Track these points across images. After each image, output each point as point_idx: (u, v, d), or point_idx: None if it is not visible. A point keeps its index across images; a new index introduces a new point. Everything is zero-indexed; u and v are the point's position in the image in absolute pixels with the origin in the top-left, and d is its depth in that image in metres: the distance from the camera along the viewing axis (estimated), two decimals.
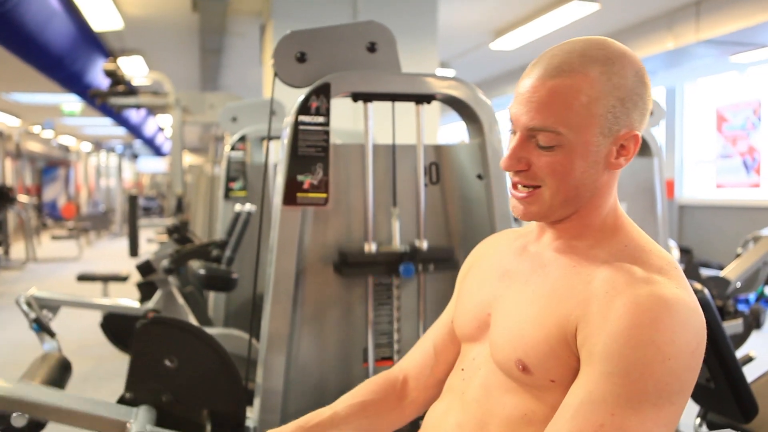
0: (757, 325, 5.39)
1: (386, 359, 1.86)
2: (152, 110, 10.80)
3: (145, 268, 2.68)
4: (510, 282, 1.05)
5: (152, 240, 9.53)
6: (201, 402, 1.57)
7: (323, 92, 1.67)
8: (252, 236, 2.93)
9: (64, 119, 14.58)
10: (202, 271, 2.27)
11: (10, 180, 14.86)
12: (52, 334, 2.71)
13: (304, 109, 1.67)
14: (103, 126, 16.09)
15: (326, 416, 1.19)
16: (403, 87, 1.75)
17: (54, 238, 12.36)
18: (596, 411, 0.84)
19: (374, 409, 1.21)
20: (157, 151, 21.57)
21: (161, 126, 15.90)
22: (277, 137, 3.27)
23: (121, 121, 11.58)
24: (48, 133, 16.49)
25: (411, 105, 1.81)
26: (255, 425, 1.71)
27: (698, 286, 1.96)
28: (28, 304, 2.77)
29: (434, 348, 1.23)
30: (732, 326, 2.90)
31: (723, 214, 9.02)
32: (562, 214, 1.00)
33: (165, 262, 2.57)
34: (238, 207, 2.90)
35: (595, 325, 0.88)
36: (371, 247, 1.76)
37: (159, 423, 1.52)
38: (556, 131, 0.93)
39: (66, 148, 20.32)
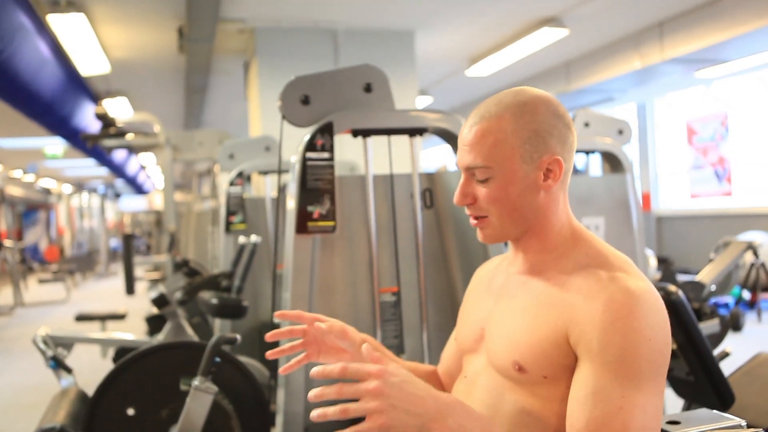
0: (737, 327, 5.62)
1: None
2: (135, 150, 10.95)
3: (160, 301, 2.83)
4: (498, 299, 1.25)
5: (141, 278, 9.59)
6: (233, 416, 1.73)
7: (327, 130, 1.86)
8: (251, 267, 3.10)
9: (46, 162, 14.65)
10: (214, 301, 2.42)
11: None
12: (68, 370, 2.83)
13: (310, 146, 1.86)
14: (85, 167, 16.16)
15: (388, 353, 1.37)
16: (398, 122, 1.95)
17: (41, 281, 12.35)
18: (609, 396, 1.02)
19: (419, 374, 1.38)
20: (139, 190, 21.62)
21: (143, 164, 16.01)
22: (273, 171, 3.47)
23: (105, 161, 11.70)
24: (29, 177, 16.50)
25: (400, 137, 2.01)
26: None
27: (673, 288, 2.15)
28: (45, 343, 2.89)
29: (452, 355, 1.42)
30: (709, 326, 3.09)
31: (698, 223, 9.32)
32: (515, 233, 1.20)
33: (178, 294, 2.72)
34: (242, 239, 3.06)
35: (585, 326, 1.07)
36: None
37: None
38: (486, 166, 1.14)
39: (47, 191, 20.30)
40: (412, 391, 0.97)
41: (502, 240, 1.21)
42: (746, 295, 6.76)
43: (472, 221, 1.21)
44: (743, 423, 1.27)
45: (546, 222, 1.19)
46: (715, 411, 1.32)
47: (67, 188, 20.79)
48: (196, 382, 1.70)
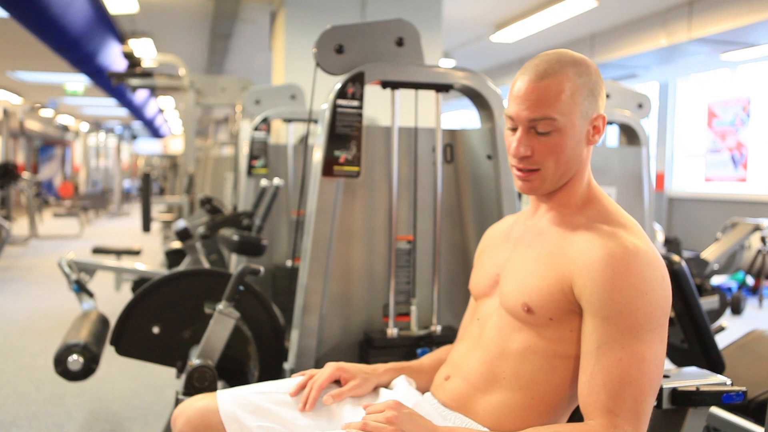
0: (737, 310, 5.71)
1: (404, 315, 2.14)
2: (158, 92, 11.00)
3: (183, 234, 2.94)
4: (515, 247, 1.35)
5: (155, 219, 9.74)
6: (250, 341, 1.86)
7: (358, 80, 1.94)
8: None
9: (66, 99, 14.74)
10: (235, 237, 2.52)
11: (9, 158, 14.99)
12: (90, 294, 2.96)
13: (341, 94, 1.94)
14: (104, 106, 16.24)
15: (414, 364, 1.52)
16: (426, 77, 2.02)
17: (55, 215, 12.56)
18: (612, 348, 1.12)
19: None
20: (155, 133, 21.73)
21: (161, 108, 16.07)
22: (297, 119, 3.54)
23: (125, 101, 11.78)
24: (47, 112, 16.61)
25: (425, 94, 2.08)
26: (292, 367, 1.99)
27: (676, 258, 2.24)
28: (69, 267, 3.02)
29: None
30: (708, 302, 3.18)
31: (710, 206, 9.34)
32: (557, 185, 1.28)
33: (201, 229, 2.83)
34: (264, 182, 3.15)
35: (587, 280, 1.16)
36: (393, 332, 2.03)
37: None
38: (552, 118, 1.21)
39: (65, 128, 20.43)
40: (417, 421, 1.16)
41: (542, 192, 1.30)
42: (750, 280, 6.83)
43: (519, 173, 1.28)
44: (728, 381, 1.37)
45: (580, 176, 1.29)
46: (703, 370, 1.43)
47: (85, 126, 20.91)
48: (220, 306, 1.81)
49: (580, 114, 1.23)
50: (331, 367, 1.43)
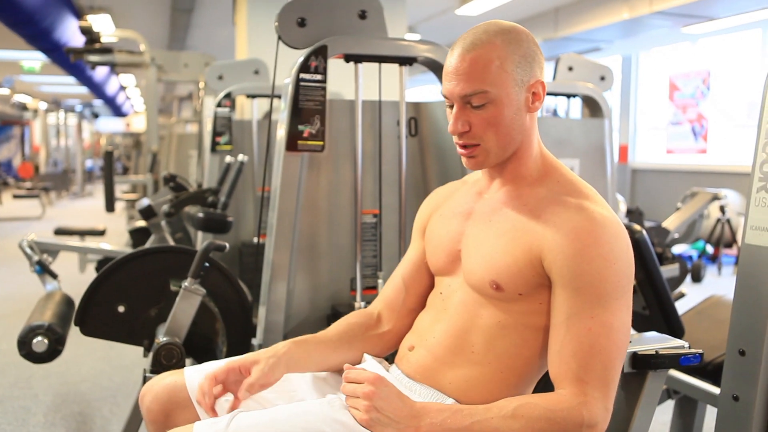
0: (697, 278, 5.86)
1: (371, 288, 2.15)
2: (118, 68, 10.76)
3: (148, 212, 2.90)
4: (474, 222, 1.33)
5: (119, 198, 9.58)
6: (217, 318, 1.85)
7: (321, 53, 1.93)
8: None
9: (22, 76, 14.33)
10: (200, 215, 2.50)
11: None
12: (54, 276, 2.91)
13: (304, 67, 1.92)
14: (63, 84, 15.84)
15: (317, 337, 1.42)
16: (390, 50, 2.01)
17: (15, 197, 12.28)
18: (581, 319, 1.15)
19: (357, 337, 1.45)
20: (117, 111, 21.28)
21: (123, 85, 15.74)
22: (261, 95, 3.51)
23: (84, 79, 11.50)
24: (3, 91, 16.15)
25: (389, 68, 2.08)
26: (260, 342, 2.00)
27: (637, 227, 2.28)
28: (31, 248, 2.96)
29: (403, 282, 1.48)
30: (669, 270, 3.26)
31: (672, 178, 9.52)
32: (503, 157, 1.27)
33: (165, 207, 2.80)
34: (229, 158, 3.13)
35: (556, 254, 1.17)
36: (360, 305, 2.02)
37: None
38: (483, 91, 1.20)
39: (23, 106, 19.89)
40: (395, 401, 1.13)
41: (488, 166, 1.29)
42: (710, 249, 7.01)
43: (462, 150, 1.26)
44: (686, 344, 1.41)
45: (527, 146, 1.28)
46: (662, 334, 1.47)
47: (43, 105, 20.38)
48: (186, 283, 1.80)
49: (514, 82, 1.21)
50: (215, 370, 1.29)
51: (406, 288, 1.47)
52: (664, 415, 2.63)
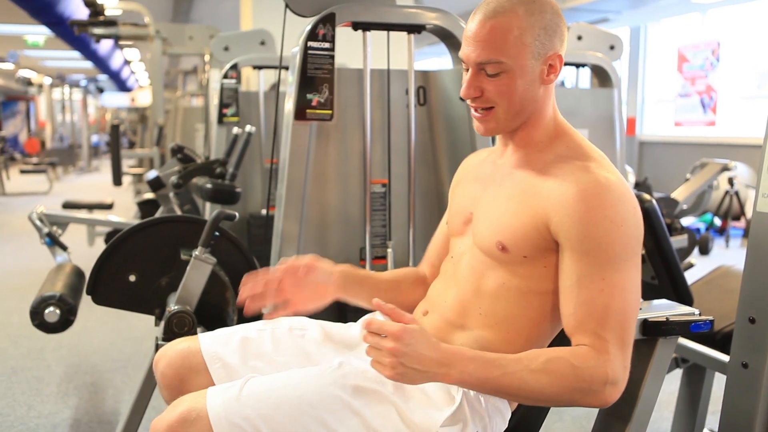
0: (705, 250, 5.85)
1: (381, 258, 2.16)
2: (122, 42, 10.69)
3: (156, 183, 2.91)
4: (485, 186, 1.36)
5: (125, 173, 9.59)
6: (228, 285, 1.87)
7: (329, 21, 1.91)
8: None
9: (26, 51, 14.28)
10: (209, 186, 2.50)
11: None
12: (64, 248, 2.93)
13: (312, 36, 1.91)
14: (67, 59, 15.78)
15: (368, 274, 1.51)
16: (398, 18, 1.99)
17: (22, 172, 12.31)
18: (592, 281, 1.15)
19: (406, 283, 1.53)
20: (122, 86, 21.21)
21: (128, 59, 15.67)
22: (268, 66, 3.49)
23: (89, 53, 11.45)
24: (7, 66, 16.09)
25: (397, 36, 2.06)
26: (269, 311, 2.01)
27: (647, 196, 2.28)
28: (41, 220, 2.98)
29: (441, 242, 1.53)
30: (678, 240, 3.25)
31: (680, 150, 9.46)
32: (514, 125, 1.28)
33: (174, 178, 2.79)
34: (236, 129, 3.12)
35: (563, 216, 1.18)
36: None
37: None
38: (498, 61, 1.20)
39: (28, 82, 19.85)
40: (421, 351, 1.09)
41: (501, 132, 1.30)
42: (717, 221, 6.99)
43: (476, 114, 1.27)
44: (696, 311, 1.41)
45: (540, 116, 1.28)
46: (673, 302, 1.47)
47: (48, 80, 20.32)
48: (196, 252, 1.81)
49: (531, 54, 1.21)
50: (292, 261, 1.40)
51: (440, 254, 1.52)
52: (671, 384, 2.65)
